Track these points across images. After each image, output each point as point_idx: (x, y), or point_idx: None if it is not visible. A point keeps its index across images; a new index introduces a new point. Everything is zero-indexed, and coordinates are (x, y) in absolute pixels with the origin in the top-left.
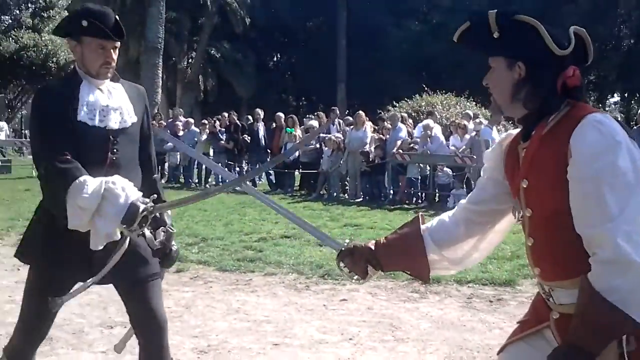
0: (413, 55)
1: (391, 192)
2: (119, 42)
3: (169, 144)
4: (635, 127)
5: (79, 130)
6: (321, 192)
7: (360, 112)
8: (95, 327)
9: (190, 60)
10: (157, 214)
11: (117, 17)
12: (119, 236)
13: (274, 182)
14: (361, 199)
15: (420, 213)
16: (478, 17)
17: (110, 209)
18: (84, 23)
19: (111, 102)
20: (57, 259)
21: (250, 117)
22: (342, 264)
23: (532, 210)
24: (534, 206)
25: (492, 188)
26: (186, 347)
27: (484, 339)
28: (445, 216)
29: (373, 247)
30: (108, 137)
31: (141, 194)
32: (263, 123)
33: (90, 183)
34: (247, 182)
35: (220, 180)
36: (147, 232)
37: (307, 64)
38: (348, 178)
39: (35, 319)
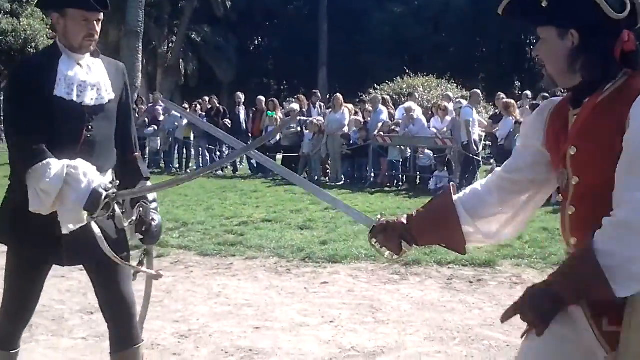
0: (394, 37)
1: (372, 175)
2: (102, 15)
3: (150, 128)
4: None
5: (54, 105)
6: (302, 176)
7: (338, 94)
8: (75, 313)
9: (170, 45)
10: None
11: None
12: (86, 221)
13: (255, 166)
14: (342, 182)
15: (452, 183)
16: None
17: (72, 195)
18: None
19: (89, 78)
20: (27, 239)
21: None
22: (374, 241)
23: (578, 177)
24: (582, 173)
25: (529, 156)
26: (167, 332)
27: (464, 320)
28: (478, 185)
29: (406, 222)
30: (84, 113)
31: (103, 179)
32: (244, 107)
33: (53, 166)
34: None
35: (200, 164)
36: (118, 210)
37: (289, 47)
38: (329, 161)
39: (18, 301)
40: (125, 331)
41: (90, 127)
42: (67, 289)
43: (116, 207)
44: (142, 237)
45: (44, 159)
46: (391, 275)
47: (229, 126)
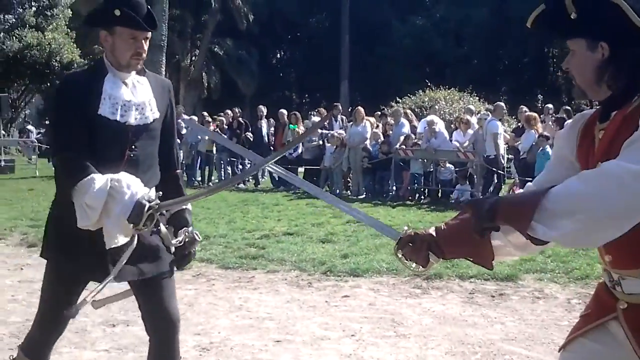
0: (416, 50)
1: (394, 188)
2: (150, 33)
3: None
4: None
5: (98, 124)
6: (324, 189)
7: (359, 107)
8: (97, 325)
9: (193, 58)
10: (166, 211)
11: (149, 7)
12: (131, 234)
13: (277, 179)
14: (364, 195)
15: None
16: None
17: (116, 208)
18: (117, 12)
19: (134, 97)
20: (73, 254)
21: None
22: (400, 253)
23: None
24: None
25: (564, 169)
26: (189, 345)
27: (486, 334)
28: None
29: (434, 234)
30: (127, 133)
31: (148, 190)
32: (266, 120)
33: (97, 181)
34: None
35: (223, 177)
36: (164, 228)
37: (311, 60)
38: (351, 174)
39: (54, 313)
40: (166, 347)
41: (134, 146)
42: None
43: (162, 226)
44: (176, 259)
45: (89, 174)
46: (412, 289)
47: (251, 139)
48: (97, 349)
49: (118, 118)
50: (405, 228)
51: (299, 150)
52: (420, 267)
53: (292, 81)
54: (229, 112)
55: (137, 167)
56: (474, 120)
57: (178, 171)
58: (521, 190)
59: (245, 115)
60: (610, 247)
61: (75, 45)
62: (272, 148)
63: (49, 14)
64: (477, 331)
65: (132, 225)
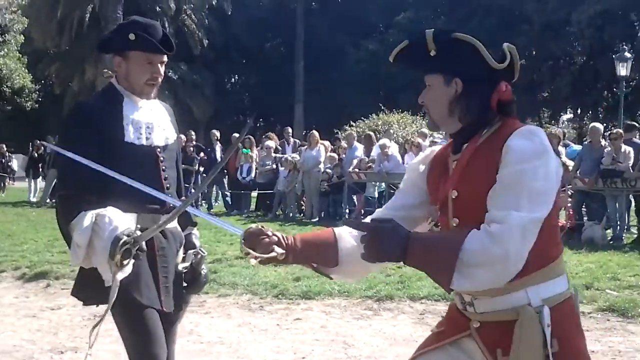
0: (370, 74)
1: (347, 211)
2: (166, 58)
3: None
4: (586, 142)
5: (127, 151)
6: (277, 213)
7: (314, 131)
8: (45, 352)
9: None
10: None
11: (164, 30)
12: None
13: (230, 203)
14: (317, 219)
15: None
16: (416, 37)
17: (99, 244)
18: (132, 36)
19: (154, 120)
20: (131, 287)
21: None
22: (244, 244)
23: (459, 219)
24: (462, 215)
25: (416, 196)
26: None
27: None
28: None
29: (283, 235)
30: (156, 154)
31: (130, 224)
32: (220, 144)
33: (85, 218)
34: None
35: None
36: (181, 251)
37: (265, 85)
38: (304, 198)
39: (146, 349)
40: None
41: (164, 167)
42: (37, 329)
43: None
44: (186, 284)
45: (79, 211)
46: (364, 310)
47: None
48: None
49: (144, 142)
50: (253, 225)
51: (252, 175)
52: (263, 257)
53: (247, 105)
54: (183, 136)
55: (173, 187)
56: (426, 143)
57: (183, 198)
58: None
59: (199, 139)
60: None
61: (27, 70)
62: (225, 171)
63: (0, 39)
64: None
65: (112, 261)
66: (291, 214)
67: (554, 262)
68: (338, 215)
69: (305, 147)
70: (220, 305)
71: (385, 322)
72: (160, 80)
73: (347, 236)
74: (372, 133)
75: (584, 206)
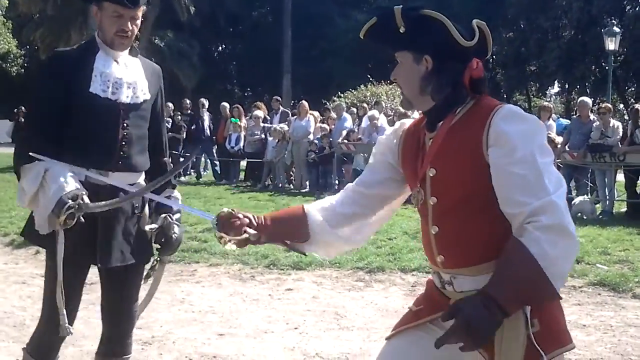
0: (358, 45)
1: (337, 182)
2: (139, 14)
3: None
4: (574, 117)
5: (90, 102)
6: (266, 183)
7: (303, 102)
8: (36, 319)
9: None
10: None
11: None
12: (57, 227)
13: (219, 172)
14: (307, 189)
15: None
16: (385, 13)
17: (42, 199)
18: None
19: (126, 76)
20: (66, 239)
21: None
22: (216, 227)
23: (437, 198)
24: (440, 194)
25: (385, 172)
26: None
27: None
28: (331, 199)
29: (254, 215)
30: (119, 110)
31: (76, 187)
32: (209, 113)
33: (35, 169)
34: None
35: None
36: (146, 210)
37: (252, 54)
38: (293, 168)
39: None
40: (121, 341)
41: (125, 124)
42: (28, 295)
43: (146, 209)
44: (159, 247)
45: (33, 160)
46: (355, 282)
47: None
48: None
49: (109, 95)
50: (225, 210)
51: (241, 144)
52: (236, 239)
53: (234, 74)
54: (170, 104)
55: (131, 147)
56: (415, 115)
57: (166, 159)
58: None
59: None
60: (443, 248)
61: (11, 35)
62: (213, 140)
63: None
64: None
65: (56, 219)
66: (280, 184)
67: None
68: (327, 186)
69: (295, 117)
70: (211, 274)
71: (377, 294)
72: (130, 34)
73: (315, 211)
74: (365, 105)
75: (572, 180)
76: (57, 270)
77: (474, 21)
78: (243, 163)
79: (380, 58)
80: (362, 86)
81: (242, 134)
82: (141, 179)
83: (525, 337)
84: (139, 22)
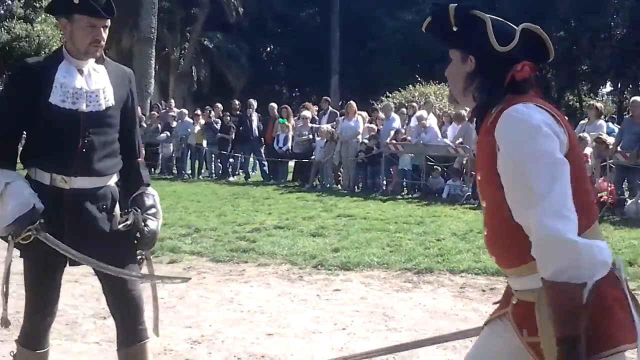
0: (406, 45)
1: (384, 182)
2: (109, 21)
3: (163, 134)
4: (627, 116)
5: (50, 112)
6: (314, 183)
7: (352, 102)
8: (88, 317)
9: (183, 51)
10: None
11: None
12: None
13: (267, 173)
14: (354, 190)
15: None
16: (440, 10)
17: (1, 211)
18: (76, 0)
19: (87, 85)
20: (36, 241)
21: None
22: None
23: (484, 202)
24: (484, 198)
25: None
26: (180, 337)
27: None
28: None
29: None
30: (79, 120)
31: (33, 209)
32: (257, 113)
33: None
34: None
35: (212, 170)
36: (117, 210)
37: (301, 54)
38: (341, 169)
39: (37, 300)
40: (131, 328)
41: (87, 133)
42: (80, 294)
43: (117, 209)
44: (136, 242)
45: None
46: (404, 283)
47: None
48: (88, 341)
49: (69, 105)
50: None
51: (289, 144)
52: None
53: (282, 75)
54: (219, 105)
55: (92, 153)
56: (465, 114)
57: (139, 159)
58: None
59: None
60: (491, 251)
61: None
62: (262, 140)
63: (37, 5)
64: (468, 325)
65: (8, 234)
66: (328, 185)
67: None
68: (375, 187)
69: (343, 117)
70: (259, 274)
71: (425, 295)
72: (102, 43)
73: None
74: (414, 105)
75: (625, 181)
76: (5, 271)
77: (522, 25)
78: (291, 163)
79: (429, 58)
80: (410, 86)
81: (290, 134)
82: (111, 181)
83: None
84: (107, 29)
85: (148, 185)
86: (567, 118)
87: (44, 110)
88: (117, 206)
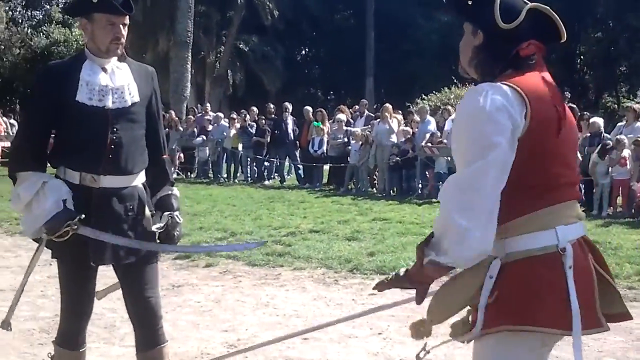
0: (442, 46)
1: (419, 186)
2: (128, 18)
3: (199, 138)
4: None
5: (77, 111)
6: (349, 187)
7: (387, 104)
8: (126, 321)
9: (219, 55)
10: (152, 197)
11: None
12: (41, 236)
13: (302, 176)
14: (390, 193)
15: None
16: None
17: (37, 209)
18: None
19: (112, 82)
20: (74, 242)
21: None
22: None
23: None
24: None
25: None
26: (216, 341)
27: None
28: None
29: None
30: (107, 116)
31: (72, 208)
32: (292, 117)
33: (33, 178)
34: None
35: (248, 174)
36: (148, 212)
37: (335, 57)
38: (377, 172)
39: (73, 301)
40: (149, 332)
41: (115, 129)
42: (118, 297)
43: (147, 211)
44: (160, 242)
45: (31, 169)
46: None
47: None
48: (126, 344)
49: (95, 103)
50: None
51: (324, 148)
52: None
53: (317, 78)
54: (255, 108)
55: (120, 150)
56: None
57: (165, 156)
58: None
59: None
60: None
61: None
62: (297, 143)
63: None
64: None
65: (45, 231)
66: (363, 188)
67: (521, 217)
68: (411, 190)
69: (378, 120)
70: (295, 278)
71: None
72: (123, 40)
73: None
74: (449, 107)
75: None
76: (27, 271)
77: (529, 4)
78: (326, 167)
79: None
80: (446, 88)
81: (325, 137)
82: (138, 180)
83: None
84: (127, 27)
85: (173, 184)
86: (562, 95)
87: (71, 109)
88: (147, 207)
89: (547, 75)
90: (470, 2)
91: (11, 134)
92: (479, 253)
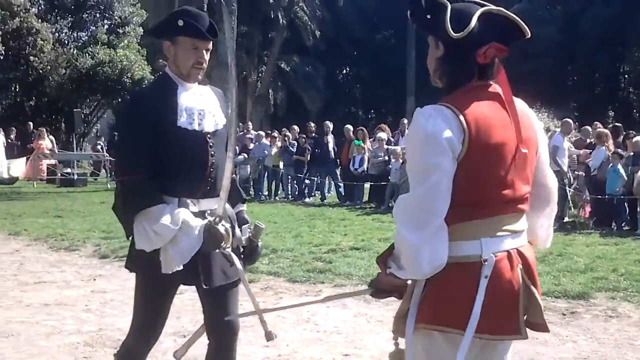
0: None
1: None
2: (212, 44)
3: (240, 156)
4: None
5: (179, 136)
6: (390, 204)
7: None
8: (168, 335)
9: (260, 74)
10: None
11: (211, 20)
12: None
13: (343, 194)
14: None
15: None
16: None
17: (185, 241)
18: (180, 22)
19: (206, 106)
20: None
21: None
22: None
23: None
24: None
25: None
26: (258, 356)
27: (557, 353)
28: None
29: None
30: (206, 139)
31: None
32: (333, 135)
33: (168, 211)
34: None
35: (289, 192)
36: (238, 232)
37: (376, 76)
38: None
39: (148, 320)
40: (224, 354)
41: (213, 152)
42: None
43: (237, 230)
44: (243, 256)
45: (159, 202)
46: None
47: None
48: (168, 358)
49: (196, 127)
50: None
51: (364, 166)
52: None
53: (358, 97)
54: (296, 127)
55: (217, 172)
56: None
57: (234, 176)
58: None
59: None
60: None
61: (146, 62)
62: (338, 161)
63: (120, 31)
64: (548, 349)
65: (216, 249)
66: None
67: (452, 226)
68: None
69: None
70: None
71: None
72: (205, 65)
73: None
74: None
75: None
76: (245, 284)
77: (481, 9)
78: (367, 185)
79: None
80: None
81: (366, 156)
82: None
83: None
84: (209, 53)
85: (244, 201)
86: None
87: (172, 135)
88: (236, 226)
89: (506, 90)
90: (429, 16)
91: (56, 151)
92: (431, 270)
